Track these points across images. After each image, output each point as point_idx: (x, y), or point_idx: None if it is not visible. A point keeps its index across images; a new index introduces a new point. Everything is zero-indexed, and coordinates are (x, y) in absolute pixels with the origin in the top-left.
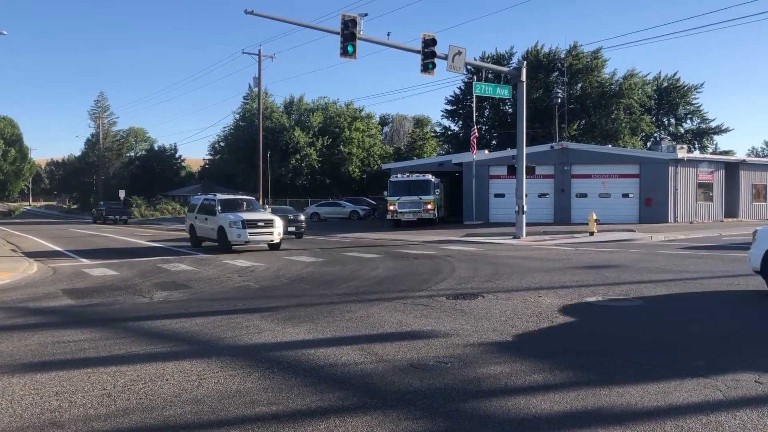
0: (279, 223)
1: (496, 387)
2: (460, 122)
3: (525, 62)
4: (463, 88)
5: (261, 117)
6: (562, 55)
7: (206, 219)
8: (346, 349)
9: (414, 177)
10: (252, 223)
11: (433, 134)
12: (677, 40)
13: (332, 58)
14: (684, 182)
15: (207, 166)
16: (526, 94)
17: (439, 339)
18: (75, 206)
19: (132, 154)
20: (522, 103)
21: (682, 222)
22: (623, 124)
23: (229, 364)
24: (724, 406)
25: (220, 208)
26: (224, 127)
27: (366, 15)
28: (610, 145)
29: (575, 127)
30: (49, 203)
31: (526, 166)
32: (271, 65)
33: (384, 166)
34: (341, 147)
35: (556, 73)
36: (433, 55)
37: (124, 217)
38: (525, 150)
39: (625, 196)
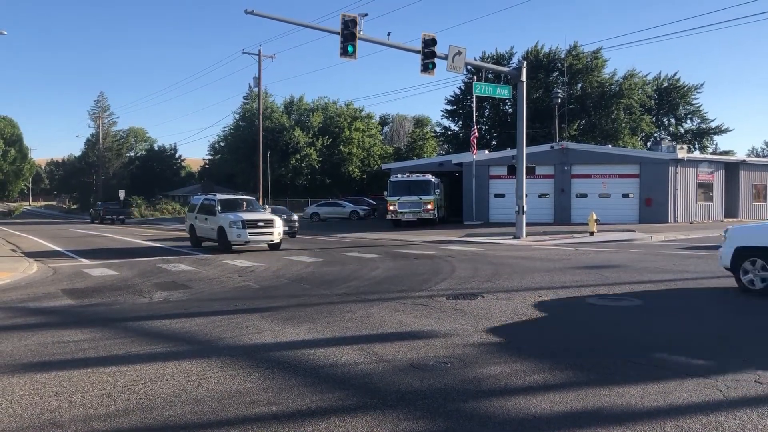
0: (279, 223)
1: (496, 387)
2: (460, 122)
3: (525, 62)
4: (463, 88)
5: (261, 117)
6: (562, 55)
7: (206, 219)
8: (346, 349)
9: (414, 177)
10: (252, 223)
11: (433, 134)
12: (677, 40)
13: (332, 58)
14: (684, 182)
15: (207, 166)
16: (526, 94)
17: (439, 339)
18: (75, 206)
19: (132, 154)
20: (522, 103)
21: (682, 222)
22: (623, 124)
23: (229, 364)
24: (724, 406)
25: (220, 208)
26: (224, 127)
27: (366, 15)
28: (610, 145)
29: (575, 127)
30: (49, 203)
31: (526, 166)
32: (271, 65)
33: (384, 166)
34: (341, 147)
35: (556, 73)
36: (433, 55)
37: (121, 217)
38: (525, 150)
39: (625, 196)
